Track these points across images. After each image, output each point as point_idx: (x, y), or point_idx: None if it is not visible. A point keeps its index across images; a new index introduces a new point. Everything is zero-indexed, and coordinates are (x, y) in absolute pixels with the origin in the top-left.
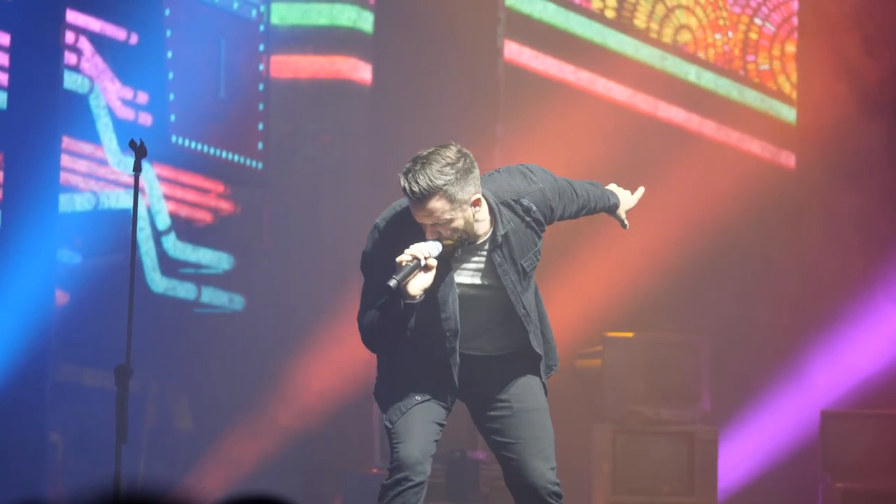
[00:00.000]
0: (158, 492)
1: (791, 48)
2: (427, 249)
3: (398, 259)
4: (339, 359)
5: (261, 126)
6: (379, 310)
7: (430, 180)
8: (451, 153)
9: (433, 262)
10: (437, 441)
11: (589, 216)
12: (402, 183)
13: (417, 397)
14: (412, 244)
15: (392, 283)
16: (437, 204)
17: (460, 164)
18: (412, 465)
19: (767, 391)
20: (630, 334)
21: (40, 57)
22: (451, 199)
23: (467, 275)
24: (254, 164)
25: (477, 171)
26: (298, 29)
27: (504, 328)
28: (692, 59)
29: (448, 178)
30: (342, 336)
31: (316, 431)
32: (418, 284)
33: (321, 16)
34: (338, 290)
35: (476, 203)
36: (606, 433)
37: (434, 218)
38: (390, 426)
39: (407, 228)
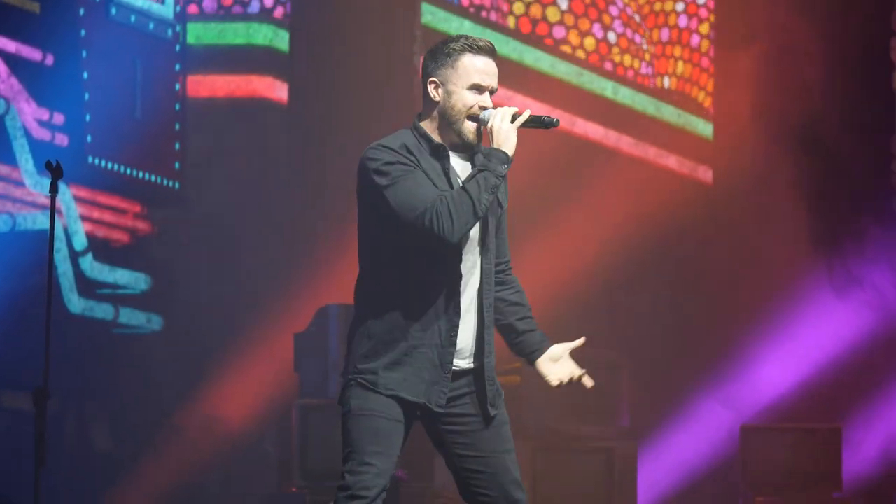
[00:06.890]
0: None
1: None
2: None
3: (521, 114)
4: (257, 378)
5: (177, 146)
6: (472, 183)
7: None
8: None
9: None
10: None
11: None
12: (472, 43)
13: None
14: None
15: (556, 119)
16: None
17: None
18: (377, 497)
19: (688, 406)
20: None
21: None
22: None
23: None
24: (171, 183)
25: None
26: (214, 48)
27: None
28: (609, 74)
29: None
30: (260, 355)
31: (235, 451)
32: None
33: (237, 35)
34: (255, 308)
35: None
36: (526, 450)
37: (495, 78)
38: (361, 462)
39: (411, 147)
